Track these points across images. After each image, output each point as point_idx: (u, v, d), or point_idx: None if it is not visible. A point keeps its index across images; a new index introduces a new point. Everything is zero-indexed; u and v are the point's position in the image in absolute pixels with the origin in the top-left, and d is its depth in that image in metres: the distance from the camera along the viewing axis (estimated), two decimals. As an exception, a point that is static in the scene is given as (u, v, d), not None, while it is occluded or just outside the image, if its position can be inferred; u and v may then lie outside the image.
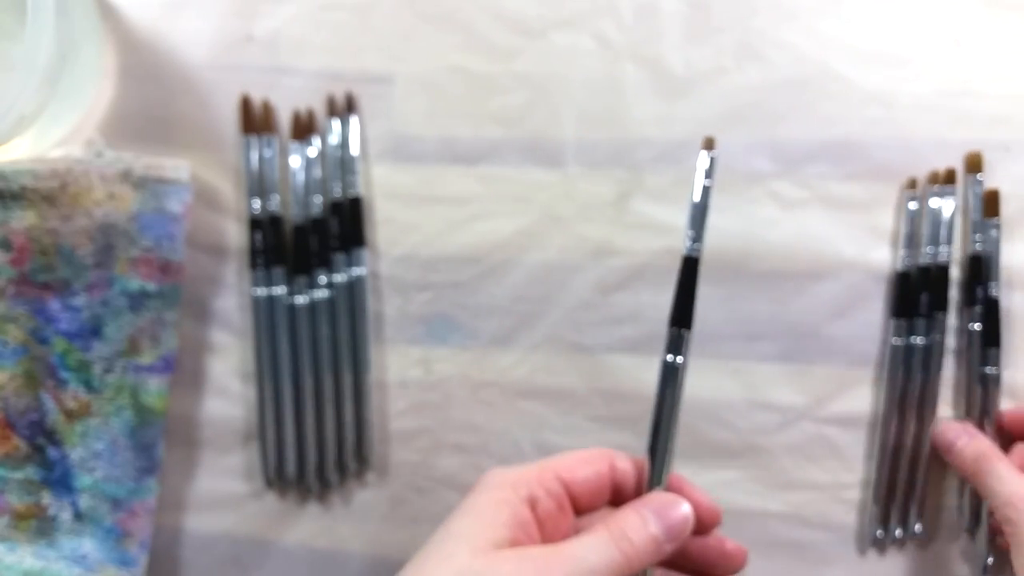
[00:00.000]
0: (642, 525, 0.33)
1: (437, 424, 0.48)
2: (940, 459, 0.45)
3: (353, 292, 0.47)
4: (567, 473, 0.35)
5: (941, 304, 0.44)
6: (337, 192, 0.46)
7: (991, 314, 0.44)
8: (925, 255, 0.44)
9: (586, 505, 0.36)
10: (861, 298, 0.45)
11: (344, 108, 0.47)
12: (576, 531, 0.34)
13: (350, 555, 0.48)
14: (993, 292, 0.44)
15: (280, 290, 0.47)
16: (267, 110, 0.47)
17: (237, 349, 0.48)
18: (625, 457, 0.36)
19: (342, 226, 0.46)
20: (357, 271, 0.47)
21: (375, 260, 0.47)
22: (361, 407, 0.47)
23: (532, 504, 0.33)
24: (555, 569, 0.30)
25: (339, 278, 0.47)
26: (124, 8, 0.47)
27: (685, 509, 0.34)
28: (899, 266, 0.45)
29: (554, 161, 0.46)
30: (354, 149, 0.47)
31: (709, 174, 0.35)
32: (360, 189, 0.47)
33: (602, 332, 0.47)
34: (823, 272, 0.45)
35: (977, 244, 0.44)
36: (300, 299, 0.47)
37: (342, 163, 0.47)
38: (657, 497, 0.34)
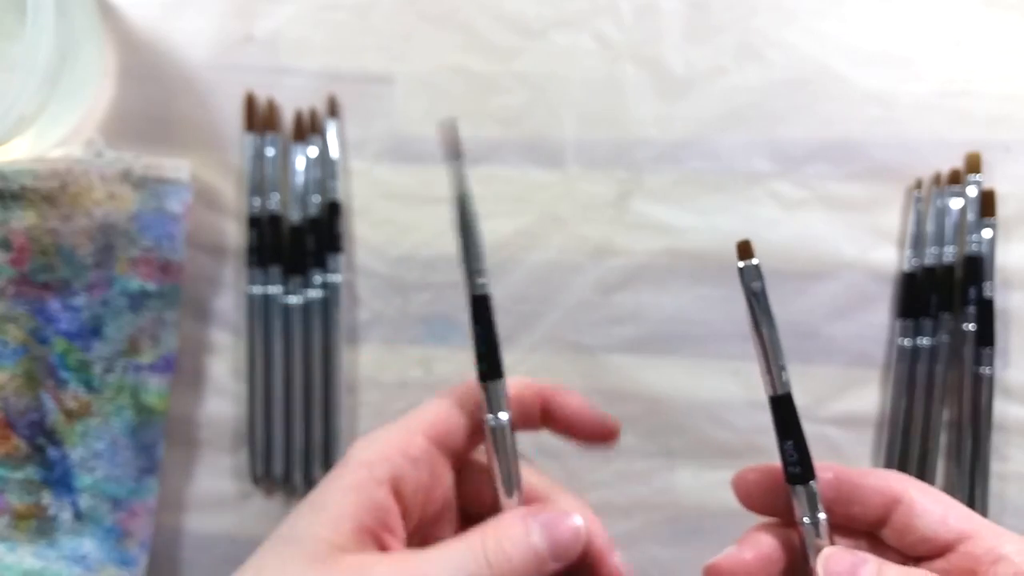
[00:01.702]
0: (524, 537, 0.28)
1: (437, 424, 0.48)
2: (946, 460, 0.45)
3: (328, 299, 0.47)
4: (434, 429, 0.30)
5: (947, 305, 0.44)
6: (317, 199, 0.47)
7: (985, 314, 0.44)
8: (930, 255, 0.44)
9: (466, 456, 0.31)
10: (861, 298, 0.45)
11: (327, 112, 0.47)
12: (454, 499, 0.31)
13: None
14: (988, 292, 0.44)
15: (275, 289, 0.47)
16: (271, 108, 0.47)
17: (237, 349, 0.48)
18: (517, 383, 0.32)
19: (318, 232, 0.47)
20: (333, 277, 0.47)
21: (372, 260, 0.47)
22: (330, 412, 0.47)
23: (396, 484, 0.29)
24: None
25: (333, 278, 0.47)
26: (124, 8, 0.47)
27: (577, 523, 0.29)
28: (906, 267, 0.45)
29: (554, 161, 0.46)
30: (334, 153, 0.47)
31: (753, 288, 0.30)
32: (339, 194, 0.47)
33: (602, 332, 0.47)
34: (823, 272, 0.45)
35: (973, 244, 0.44)
36: (293, 299, 0.47)
37: (322, 167, 0.47)
38: (549, 507, 0.30)
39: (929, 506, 0.29)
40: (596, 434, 0.32)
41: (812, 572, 0.29)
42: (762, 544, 0.30)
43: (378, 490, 0.28)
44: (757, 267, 0.29)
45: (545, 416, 0.33)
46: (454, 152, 0.30)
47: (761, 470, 0.31)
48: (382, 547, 0.28)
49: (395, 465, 0.29)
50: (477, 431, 0.31)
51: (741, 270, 0.29)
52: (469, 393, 0.31)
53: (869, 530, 0.30)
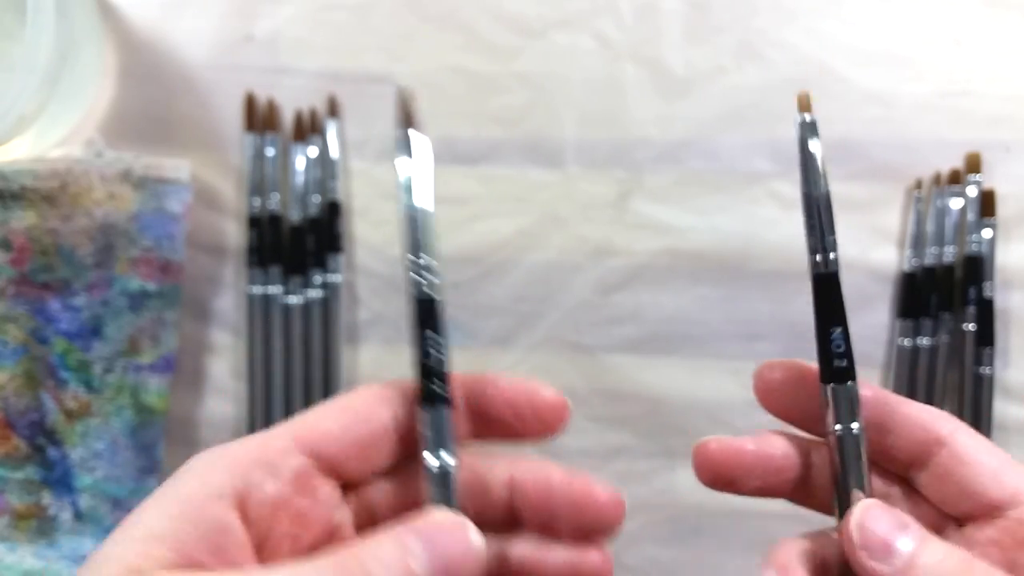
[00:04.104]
0: (398, 559, 0.22)
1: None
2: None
3: (328, 299, 0.47)
4: (312, 433, 0.24)
5: (947, 305, 0.44)
6: (317, 199, 0.47)
7: (985, 314, 0.44)
8: (930, 255, 0.44)
9: (359, 476, 0.25)
10: (862, 298, 0.45)
11: (327, 112, 0.47)
12: (350, 527, 0.25)
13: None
14: (988, 292, 0.44)
15: (275, 289, 0.47)
16: (271, 108, 0.47)
17: (237, 349, 0.48)
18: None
19: (318, 232, 0.47)
20: (333, 277, 0.47)
21: (372, 260, 0.47)
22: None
23: (242, 500, 0.23)
24: None
25: (333, 278, 0.47)
26: (124, 8, 0.47)
27: (472, 539, 0.23)
28: (906, 267, 0.45)
29: (554, 161, 0.46)
30: (334, 153, 0.47)
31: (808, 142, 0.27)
32: (339, 194, 0.47)
33: (602, 332, 0.47)
34: (823, 272, 0.45)
35: (973, 244, 0.44)
36: (293, 299, 0.47)
37: (322, 167, 0.47)
38: (435, 516, 0.23)
39: (980, 456, 0.24)
40: (536, 414, 0.27)
41: (838, 502, 0.25)
42: (773, 444, 0.26)
43: (212, 506, 0.22)
44: (814, 123, 0.26)
45: (474, 411, 0.26)
46: (407, 120, 0.26)
47: (789, 366, 0.27)
48: None
49: (240, 476, 0.23)
50: (381, 448, 0.25)
51: (800, 124, 0.26)
52: (379, 397, 0.25)
53: (903, 472, 0.26)
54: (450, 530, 0.23)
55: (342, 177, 0.47)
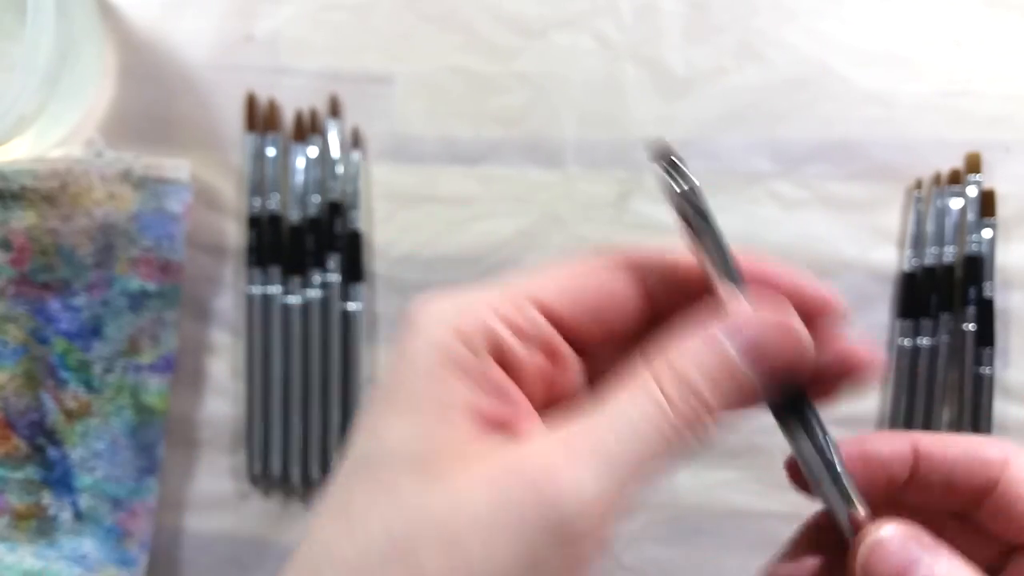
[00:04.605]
0: (710, 353, 0.20)
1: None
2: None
3: (327, 299, 0.47)
4: (550, 296, 0.22)
5: (947, 305, 0.44)
6: (317, 199, 0.47)
7: (985, 314, 0.44)
8: (930, 255, 0.44)
9: (600, 348, 0.22)
10: (862, 298, 0.45)
11: (328, 111, 0.47)
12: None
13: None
14: (988, 292, 0.44)
15: (275, 289, 0.47)
16: (272, 108, 0.47)
17: (236, 349, 0.48)
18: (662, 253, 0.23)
19: (318, 232, 0.47)
20: (332, 277, 0.47)
21: (372, 260, 0.47)
22: (329, 412, 0.47)
23: (499, 353, 0.21)
24: (554, 480, 0.18)
25: (333, 278, 0.47)
26: (124, 8, 0.47)
27: (789, 319, 0.21)
28: (906, 267, 0.45)
29: (554, 161, 0.46)
30: (335, 152, 0.47)
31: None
32: (337, 195, 0.46)
33: (602, 332, 0.47)
34: (823, 272, 0.45)
35: (973, 244, 0.44)
36: (293, 299, 0.47)
37: (323, 167, 0.47)
38: (735, 306, 0.21)
39: None
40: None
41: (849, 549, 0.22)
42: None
43: (483, 361, 0.20)
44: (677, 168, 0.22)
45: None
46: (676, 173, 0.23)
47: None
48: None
49: (492, 330, 0.21)
50: (625, 316, 0.22)
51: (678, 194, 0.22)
52: (615, 262, 0.22)
53: (960, 511, 0.23)
54: (758, 314, 0.21)
55: (342, 177, 0.47)
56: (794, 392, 0.22)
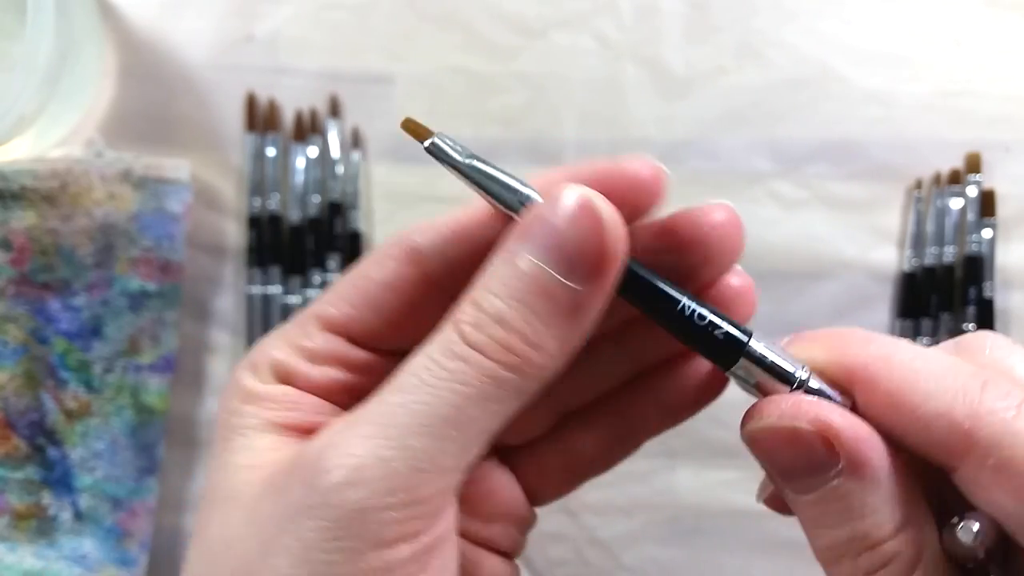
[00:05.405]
0: (510, 276, 0.19)
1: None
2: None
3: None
4: (332, 311, 0.22)
5: (947, 305, 0.44)
6: (317, 199, 0.47)
7: (985, 314, 0.44)
8: (931, 255, 0.44)
9: (408, 336, 0.21)
10: (861, 298, 0.45)
11: (329, 111, 0.47)
12: None
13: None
14: (988, 292, 0.44)
15: (275, 289, 0.47)
16: (272, 108, 0.47)
17: (237, 349, 0.48)
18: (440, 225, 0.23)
19: (318, 232, 0.47)
20: (333, 277, 0.47)
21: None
22: None
23: (284, 375, 0.22)
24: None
25: (333, 278, 0.47)
26: (124, 8, 0.47)
27: (577, 193, 0.19)
28: (906, 267, 0.45)
29: (554, 161, 0.46)
30: (335, 152, 0.47)
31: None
32: (337, 195, 0.47)
33: (602, 332, 0.47)
34: (823, 272, 0.45)
35: (973, 244, 0.44)
36: (293, 299, 0.47)
37: (323, 167, 0.47)
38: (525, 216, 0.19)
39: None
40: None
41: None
42: None
43: (269, 386, 0.22)
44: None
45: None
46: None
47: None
48: None
49: (279, 361, 0.22)
50: (415, 299, 0.22)
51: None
52: (397, 248, 0.23)
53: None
54: (546, 201, 0.19)
55: (343, 177, 0.47)
56: (635, 278, 0.20)
